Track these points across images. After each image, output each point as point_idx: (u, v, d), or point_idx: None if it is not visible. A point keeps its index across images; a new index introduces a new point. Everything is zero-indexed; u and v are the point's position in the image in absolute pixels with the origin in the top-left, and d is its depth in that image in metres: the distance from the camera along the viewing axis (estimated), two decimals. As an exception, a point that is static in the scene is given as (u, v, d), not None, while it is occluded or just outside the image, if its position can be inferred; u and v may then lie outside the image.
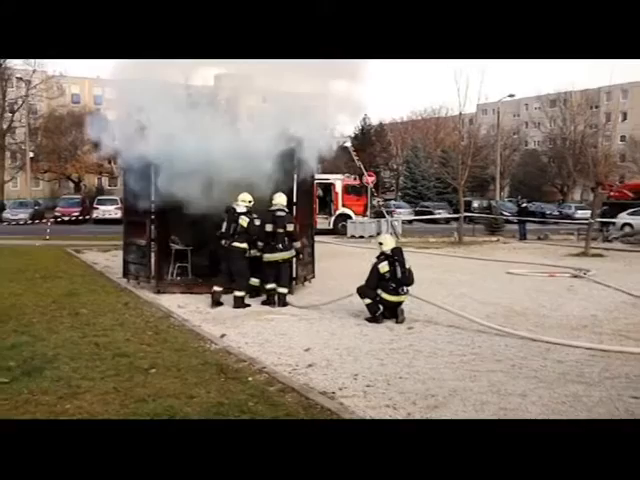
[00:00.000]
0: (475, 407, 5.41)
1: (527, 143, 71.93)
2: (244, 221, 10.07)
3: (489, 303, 10.49)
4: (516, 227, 27.30)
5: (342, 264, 15.52)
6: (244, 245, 10.15)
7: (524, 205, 30.72)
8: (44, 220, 29.73)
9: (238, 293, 10.01)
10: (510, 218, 31.79)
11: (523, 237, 25.69)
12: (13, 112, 50.90)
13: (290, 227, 10.33)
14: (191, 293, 10.86)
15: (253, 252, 10.45)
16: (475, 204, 41.59)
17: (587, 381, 6.20)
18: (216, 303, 10.02)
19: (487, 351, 7.39)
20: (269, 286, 10.36)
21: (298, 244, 10.64)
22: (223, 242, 10.14)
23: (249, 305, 10.05)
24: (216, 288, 10.07)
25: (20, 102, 50.41)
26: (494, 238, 25.93)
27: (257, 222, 10.22)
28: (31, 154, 48.23)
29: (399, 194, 61.26)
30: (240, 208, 10.18)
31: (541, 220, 32.73)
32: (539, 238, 25.81)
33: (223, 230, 10.15)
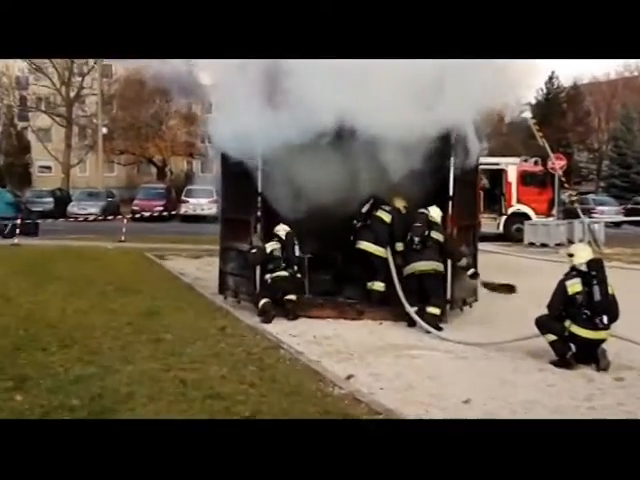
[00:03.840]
0: None
1: None
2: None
3: None
4: None
5: (517, 283, 15.19)
6: None
7: None
8: (119, 216, 31.53)
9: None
10: None
11: None
12: (83, 76, 53.48)
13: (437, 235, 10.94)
14: (308, 317, 11.05)
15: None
16: None
17: None
18: (266, 317, 10.94)
19: None
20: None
21: (463, 262, 11.08)
22: None
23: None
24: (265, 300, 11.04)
25: (91, 62, 52.00)
26: None
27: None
28: (104, 130, 50.70)
29: (602, 185, 59.13)
30: None
31: None
32: None
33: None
